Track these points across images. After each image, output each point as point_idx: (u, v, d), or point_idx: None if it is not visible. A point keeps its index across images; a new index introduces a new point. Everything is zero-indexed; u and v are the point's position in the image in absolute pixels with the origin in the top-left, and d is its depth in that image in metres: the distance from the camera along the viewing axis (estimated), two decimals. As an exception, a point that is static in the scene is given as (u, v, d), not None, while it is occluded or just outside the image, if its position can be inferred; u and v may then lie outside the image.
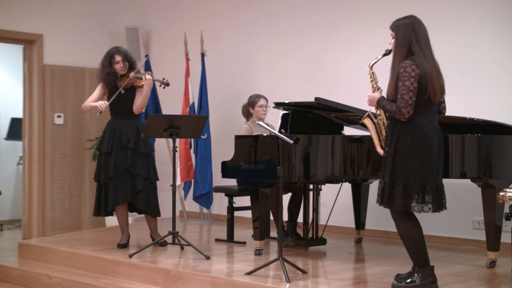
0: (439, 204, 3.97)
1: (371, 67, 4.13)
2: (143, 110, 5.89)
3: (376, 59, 4.12)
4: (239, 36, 7.59)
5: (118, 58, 5.51)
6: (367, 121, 4.12)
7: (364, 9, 6.57)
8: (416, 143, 3.89)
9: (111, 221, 7.67)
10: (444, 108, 4.18)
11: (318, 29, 6.91)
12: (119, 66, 5.52)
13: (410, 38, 3.92)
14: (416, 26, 3.94)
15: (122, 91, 5.52)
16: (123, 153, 5.47)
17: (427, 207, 3.92)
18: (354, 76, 6.55)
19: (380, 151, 4.09)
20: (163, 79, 5.68)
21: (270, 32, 7.32)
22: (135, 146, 5.47)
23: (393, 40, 4.02)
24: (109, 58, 5.53)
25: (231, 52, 7.65)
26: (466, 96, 5.83)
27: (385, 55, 4.10)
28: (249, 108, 6.08)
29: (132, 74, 5.51)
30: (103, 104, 5.44)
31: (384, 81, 4.11)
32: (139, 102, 5.53)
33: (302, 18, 7.04)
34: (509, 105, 5.67)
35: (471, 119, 4.80)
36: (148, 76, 5.52)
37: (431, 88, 3.89)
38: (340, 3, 6.76)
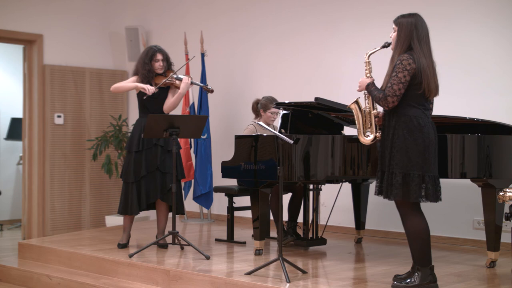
0: (436, 195, 4.01)
1: (368, 56, 4.21)
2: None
3: (375, 50, 4.22)
4: (239, 36, 7.59)
5: (159, 56, 5.57)
6: (354, 107, 4.20)
7: (364, 10, 6.57)
8: (413, 134, 3.95)
9: (111, 221, 7.68)
10: (431, 109, 4.21)
11: (319, 30, 6.91)
12: (159, 64, 5.57)
13: (411, 35, 4.01)
14: (418, 25, 4.03)
15: (156, 90, 5.53)
16: (153, 151, 5.49)
17: (426, 198, 3.97)
18: (354, 76, 6.51)
19: (362, 139, 4.18)
20: (207, 85, 5.77)
21: (270, 32, 7.32)
22: (165, 143, 5.49)
23: (394, 34, 4.10)
24: (150, 56, 5.57)
25: (231, 52, 7.65)
26: (466, 96, 5.83)
27: (383, 47, 4.19)
28: (260, 110, 6.06)
29: (171, 74, 5.56)
30: (152, 89, 5.46)
31: (377, 75, 4.15)
32: (172, 100, 5.57)
33: (302, 18, 7.04)
34: (509, 105, 5.67)
35: (471, 119, 4.80)
36: (187, 77, 5.59)
37: (426, 85, 3.97)
38: (340, 4, 6.76)
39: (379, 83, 4.10)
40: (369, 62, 4.20)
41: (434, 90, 4.02)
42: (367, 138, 4.17)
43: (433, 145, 4.01)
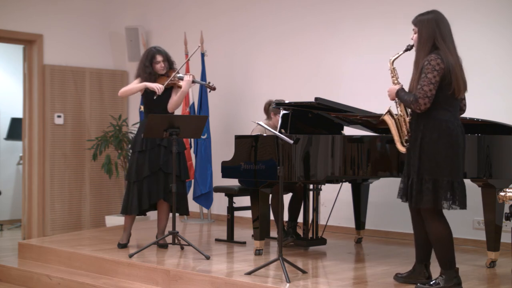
0: (464, 201, 3.94)
1: (392, 63, 4.10)
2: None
3: (397, 55, 4.09)
4: (239, 36, 7.59)
5: (159, 58, 5.57)
6: (387, 118, 4.09)
7: (364, 10, 6.57)
8: (442, 139, 3.85)
9: (111, 221, 7.68)
10: (465, 105, 4.16)
11: (319, 30, 6.91)
12: (160, 66, 5.57)
13: (434, 33, 3.90)
14: (439, 21, 3.93)
15: (160, 92, 5.54)
16: (156, 152, 5.50)
17: (455, 204, 3.89)
18: (354, 76, 6.55)
19: (401, 148, 4.07)
20: (209, 82, 5.74)
21: (270, 32, 7.32)
22: (168, 144, 5.48)
23: (415, 35, 3.99)
24: (150, 58, 5.57)
25: (231, 52, 7.65)
26: (466, 96, 5.81)
27: (406, 50, 4.07)
28: (271, 112, 6.06)
29: (174, 75, 5.55)
30: (161, 87, 5.45)
31: (403, 78, 4.09)
32: (175, 99, 5.57)
33: (302, 18, 7.04)
34: (509, 105, 5.67)
35: (471, 119, 4.80)
36: (189, 75, 5.58)
37: (455, 83, 3.87)
38: (340, 4, 6.76)
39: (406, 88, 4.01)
40: (394, 68, 4.09)
41: (463, 87, 3.93)
42: (406, 147, 4.04)
43: (462, 149, 3.93)
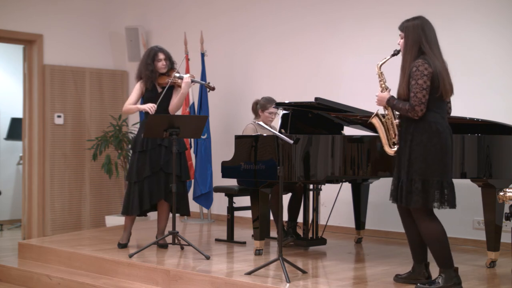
0: (453, 201, 3.98)
1: (380, 67, 4.14)
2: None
3: (385, 59, 4.14)
4: (239, 36, 7.59)
5: (161, 56, 5.57)
6: (375, 121, 4.14)
7: (364, 10, 6.57)
8: (432, 140, 3.90)
9: (111, 221, 7.68)
10: (450, 108, 4.20)
11: (319, 30, 6.91)
12: (162, 64, 5.57)
13: (420, 39, 3.96)
14: (425, 27, 3.98)
15: (160, 90, 5.55)
16: (157, 152, 5.50)
17: (445, 204, 3.93)
18: (354, 76, 6.55)
19: (388, 150, 4.11)
20: (208, 83, 5.73)
21: (270, 32, 7.32)
22: (169, 144, 5.48)
23: (402, 41, 4.05)
24: (152, 56, 5.57)
25: (231, 52, 7.65)
26: (466, 96, 5.83)
27: (393, 55, 4.13)
28: (259, 110, 6.07)
29: (174, 74, 5.55)
30: (153, 107, 5.44)
31: (391, 82, 4.12)
32: (175, 102, 5.57)
33: (302, 18, 7.04)
34: (509, 105, 5.67)
35: (471, 119, 4.80)
36: (188, 76, 5.57)
37: (442, 87, 3.92)
38: (340, 4, 6.76)
39: (393, 92, 4.05)
40: (381, 73, 4.14)
41: (450, 90, 3.98)
42: (393, 149, 4.09)
43: (450, 150, 3.98)
